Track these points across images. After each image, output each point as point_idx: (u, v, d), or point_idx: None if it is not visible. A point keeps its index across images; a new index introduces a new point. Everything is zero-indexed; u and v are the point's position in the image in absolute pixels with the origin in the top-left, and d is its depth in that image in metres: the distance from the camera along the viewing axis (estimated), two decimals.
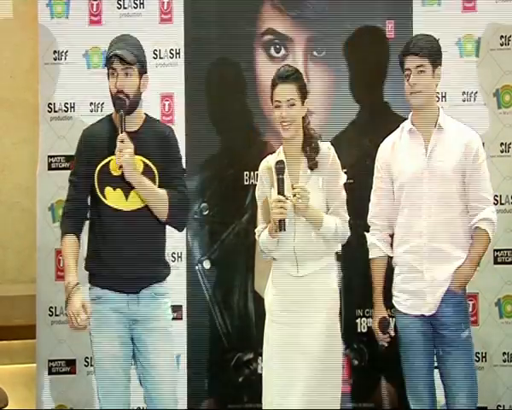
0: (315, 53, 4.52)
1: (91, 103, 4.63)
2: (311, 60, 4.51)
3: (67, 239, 3.36)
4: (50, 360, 4.59)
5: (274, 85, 3.48)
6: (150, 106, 4.52)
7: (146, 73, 3.45)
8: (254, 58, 4.55)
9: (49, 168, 4.63)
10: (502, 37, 4.51)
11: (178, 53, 4.59)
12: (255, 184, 4.41)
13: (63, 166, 4.63)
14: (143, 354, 3.36)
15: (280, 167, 3.39)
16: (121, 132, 3.26)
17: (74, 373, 4.59)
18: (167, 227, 3.48)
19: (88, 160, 3.40)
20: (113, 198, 3.34)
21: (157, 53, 4.61)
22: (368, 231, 3.69)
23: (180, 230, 3.52)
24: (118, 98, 3.33)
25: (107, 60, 3.39)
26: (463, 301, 3.53)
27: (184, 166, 3.47)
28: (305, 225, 3.44)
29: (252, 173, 4.47)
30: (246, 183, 4.51)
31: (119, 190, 3.33)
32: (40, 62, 4.66)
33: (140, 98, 3.45)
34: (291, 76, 3.48)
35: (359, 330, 4.48)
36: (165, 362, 3.37)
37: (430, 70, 3.48)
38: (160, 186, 3.35)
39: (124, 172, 3.26)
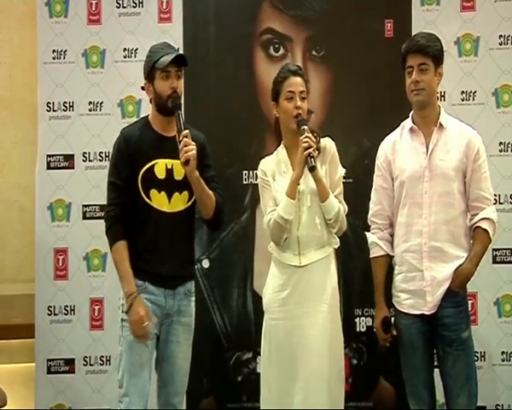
0: (314, 52, 4.52)
1: (90, 102, 4.64)
2: (309, 59, 4.51)
3: (121, 246, 3.42)
4: (49, 360, 4.60)
5: (284, 78, 3.52)
6: (149, 105, 4.53)
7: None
8: (253, 57, 4.56)
9: (48, 167, 4.64)
10: (501, 36, 4.52)
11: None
12: (254, 184, 4.43)
13: (62, 165, 4.63)
14: (166, 343, 3.47)
15: (301, 119, 3.46)
16: (181, 130, 3.34)
17: (73, 372, 4.60)
18: None
19: (130, 162, 3.45)
20: (159, 200, 3.43)
21: None
22: (368, 231, 3.69)
23: (217, 229, 3.73)
24: (174, 98, 3.43)
25: (163, 63, 3.41)
26: (464, 302, 3.52)
27: None
28: (310, 212, 3.49)
29: (251, 173, 4.48)
30: (245, 182, 4.51)
31: (163, 193, 3.43)
32: (39, 61, 4.67)
33: None
34: (299, 71, 3.57)
35: (358, 330, 4.48)
36: (184, 355, 3.52)
37: (432, 68, 3.48)
38: None
39: (188, 166, 3.33)
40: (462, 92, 4.50)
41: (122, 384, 3.43)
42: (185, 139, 3.33)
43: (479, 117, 4.39)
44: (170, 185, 3.44)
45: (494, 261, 4.44)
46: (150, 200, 3.43)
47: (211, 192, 3.47)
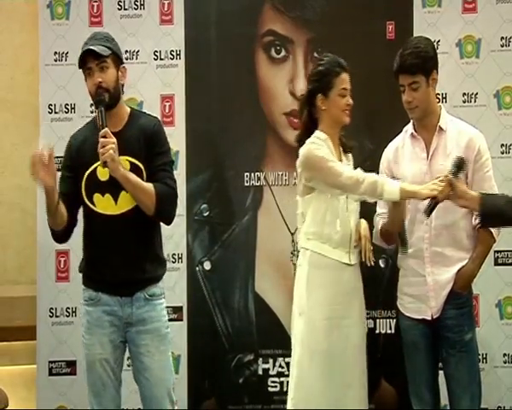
0: (315, 54, 4.52)
1: (91, 104, 4.63)
2: (311, 61, 4.51)
3: None
4: (51, 361, 4.60)
5: (338, 73, 3.54)
6: (151, 107, 4.54)
7: (122, 63, 3.39)
8: (255, 59, 4.56)
9: None
10: (502, 38, 4.51)
11: (179, 54, 4.59)
12: (256, 185, 4.44)
13: None
14: (137, 356, 3.32)
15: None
16: (102, 128, 3.18)
17: (74, 374, 4.59)
18: (166, 227, 3.46)
19: (72, 167, 3.35)
20: (103, 204, 3.28)
21: (157, 54, 4.61)
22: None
23: (168, 223, 3.40)
24: (97, 94, 3.27)
25: (80, 61, 3.31)
26: (467, 303, 3.50)
27: (173, 158, 3.43)
28: (355, 213, 3.55)
29: (252, 174, 4.47)
30: (246, 184, 4.50)
31: (107, 196, 3.28)
32: (41, 63, 4.66)
33: (121, 91, 3.39)
34: (348, 67, 3.60)
35: None
36: (159, 364, 3.32)
37: (424, 82, 3.43)
38: (147, 181, 3.28)
39: (108, 167, 3.17)
40: (464, 94, 4.50)
41: (90, 402, 3.35)
42: (102, 139, 3.16)
43: (480, 119, 4.38)
44: (115, 186, 3.22)
45: (496, 263, 4.43)
46: (94, 205, 3.30)
47: (147, 186, 3.23)
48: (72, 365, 4.60)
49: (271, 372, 4.46)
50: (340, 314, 3.48)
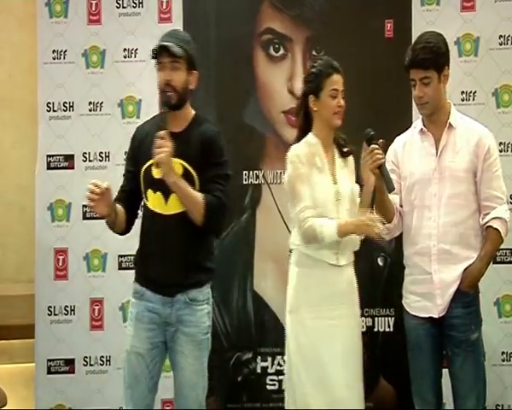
0: (314, 52, 4.51)
1: (90, 103, 4.63)
2: (310, 59, 4.50)
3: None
4: (49, 360, 4.59)
5: (329, 75, 3.52)
6: (149, 105, 4.54)
7: (195, 69, 3.35)
8: (253, 57, 4.55)
9: (48, 168, 4.63)
10: (501, 36, 4.51)
11: None
12: (255, 184, 4.44)
13: (62, 165, 4.63)
14: (173, 355, 3.32)
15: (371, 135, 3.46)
16: (163, 129, 3.17)
17: (73, 373, 4.59)
18: None
19: (134, 159, 3.35)
20: (154, 201, 3.26)
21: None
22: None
23: (216, 236, 3.43)
24: (164, 92, 3.25)
25: (154, 52, 3.26)
26: (474, 302, 3.46)
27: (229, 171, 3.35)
28: (349, 215, 3.48)
29: (251, 173, 4.47)
30: (245, 182, 4.50)
31: (158, 194, 3.25)
32: (39, 62, 4.66)
33: (189, 96, 3.36)
34: (340, 68, 3.57)
35: None
36: (192, 367, 3.29)
37: (435, 78, 3.40)
38: (200, 191, 3.23)
39: (160, 170, 3.17)
40: (462, 92, 4.50)
41: (125, 394, 3.34)
42: (159, 141, 3.14)
43: (479, 117, 4.35)
44: (167, 186, 3.19)
45: (494, 261, 4.41)
46: (147, 200, 3.30)
47: (197, 197, 3.19)
48: (70, 363, 4.60)
49: (270, 371, 4.46)
50: (327, 315, 3.45)
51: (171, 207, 3.23)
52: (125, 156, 4.59)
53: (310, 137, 3.54)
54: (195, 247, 3.27)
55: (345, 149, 3.59)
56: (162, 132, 3.14)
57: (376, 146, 3.40)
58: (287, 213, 4.34)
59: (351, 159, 3.63)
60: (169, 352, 3.33)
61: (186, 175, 3.23)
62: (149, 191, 3.27)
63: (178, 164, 3.22)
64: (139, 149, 3.34)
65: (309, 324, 3.46)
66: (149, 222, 3.29)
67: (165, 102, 3.24)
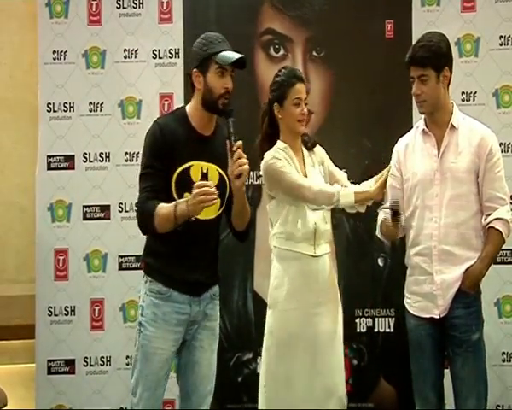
0: (314, 53, 4.52)
1: (90, 103, 4.64)
2: (310, 60, 4.51)
3: (159, 205, 3.14)
4: (49, 360, 4.60)
5: (292, 84, 3.59)
6: (150, 106, 4.54)
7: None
8: (254, 58, 4.55)
9: (49, 168, 4.64)
10: (501, 37, 4.51)
11: (178, 53, 4.60)
12: (254, 184, 4.44)
13: (62, 166, 4.63)
14: (190, 350, 3.31)
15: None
16: (233, 139, 3.13)
17: (73, 373, 4.60)
18: None
19: (165, 156, 3.21)
20: None
21: (156, 53, 4.62)
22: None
23: (244, 241, 3.52)
24: (226, 100, 3.22)
25: (226, 60, 3.20)
26: (475, 303, 3.45)
27: None
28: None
29: (251, 173, 4.46)
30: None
31: None
32: (40, 62, 4.67)
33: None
34: (303, 77, 3.66)
35: (358, 330, 4.48)
36: (208, 361, 3.33)
37: (433, 76, 3.39)
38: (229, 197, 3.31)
39: (239, 181, 3.13)
40: (463, 93, 4.50)
41: (135, 393, 3.28)
42: (239, 151, 3.12)
43: (479, 118, 4.32)
44: None
45: (495, 262, 4.39)
46: None
47: (248, 206, 3.32)
48: (70, 363, 4.60)
49: None
50: (308, 304, 3.56)
51: (208, 213, 3.20)
52: (125, 157, 4.67)
53: (279, 143, 3.66)
54: (217, 249, 3.41)
55: (309, 144, 3.71)
56: (239, 143, 3.13)
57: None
58: None
59: (317, 149, 3.73)
60: (185, 348, 3.31)
61: (221, 181, 3.24)
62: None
63: (215, 170, 3.25)
64: (172, 148, 3.21)
65: (291, 314, 3.57)
66: (184, 226, 3.17)
67: (228, 113, 3.20)
